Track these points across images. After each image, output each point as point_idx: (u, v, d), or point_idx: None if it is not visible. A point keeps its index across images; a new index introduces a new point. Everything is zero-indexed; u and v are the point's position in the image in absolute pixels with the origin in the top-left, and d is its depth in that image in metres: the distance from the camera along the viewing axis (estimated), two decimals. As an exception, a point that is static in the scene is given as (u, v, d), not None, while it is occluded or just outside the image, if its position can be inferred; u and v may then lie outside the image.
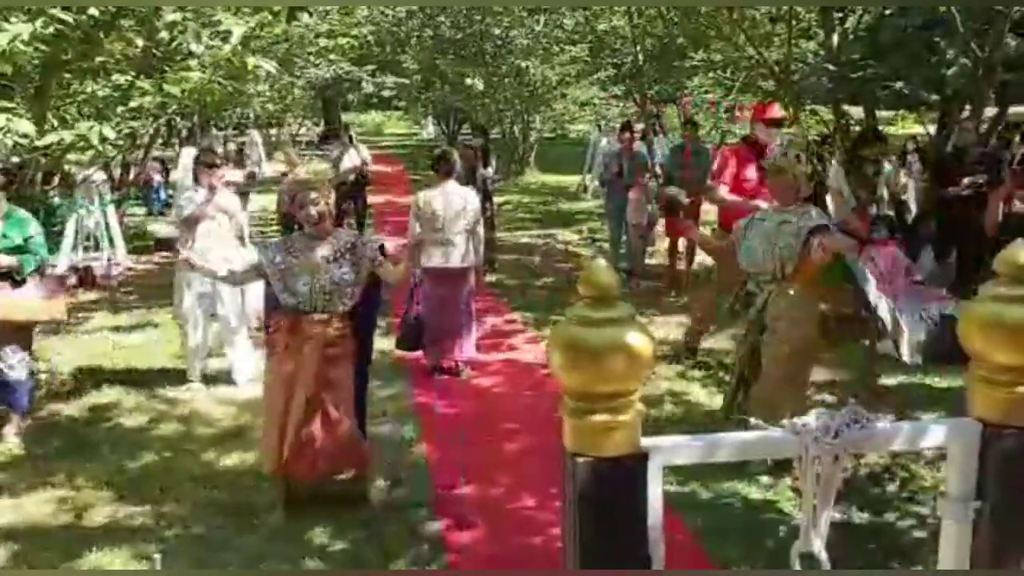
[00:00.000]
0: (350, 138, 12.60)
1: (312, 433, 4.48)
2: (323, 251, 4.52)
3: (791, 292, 4.85)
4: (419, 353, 7.08)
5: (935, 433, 1.74)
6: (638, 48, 13.99)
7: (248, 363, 6.78)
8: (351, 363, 4.64)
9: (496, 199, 12.41)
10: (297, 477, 4.67)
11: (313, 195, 4.52)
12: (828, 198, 11.45)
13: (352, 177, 12.29)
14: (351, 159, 12.27)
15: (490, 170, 10.90)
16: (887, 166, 8.51)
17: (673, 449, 1.67)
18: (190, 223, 6.57)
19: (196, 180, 6.79)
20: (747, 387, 5.08)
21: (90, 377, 6.90)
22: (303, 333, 4.49)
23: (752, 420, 1.72)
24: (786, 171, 4.90)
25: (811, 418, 1.70)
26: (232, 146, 13.71)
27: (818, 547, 1.73)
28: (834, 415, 1.70)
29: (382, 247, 4.70)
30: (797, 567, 1.75)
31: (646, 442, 1.62)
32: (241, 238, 6.96)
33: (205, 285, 6.53)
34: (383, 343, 7.70)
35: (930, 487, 4.81)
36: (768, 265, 4.87)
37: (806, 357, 5.04)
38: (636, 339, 1.56)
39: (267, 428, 4.63)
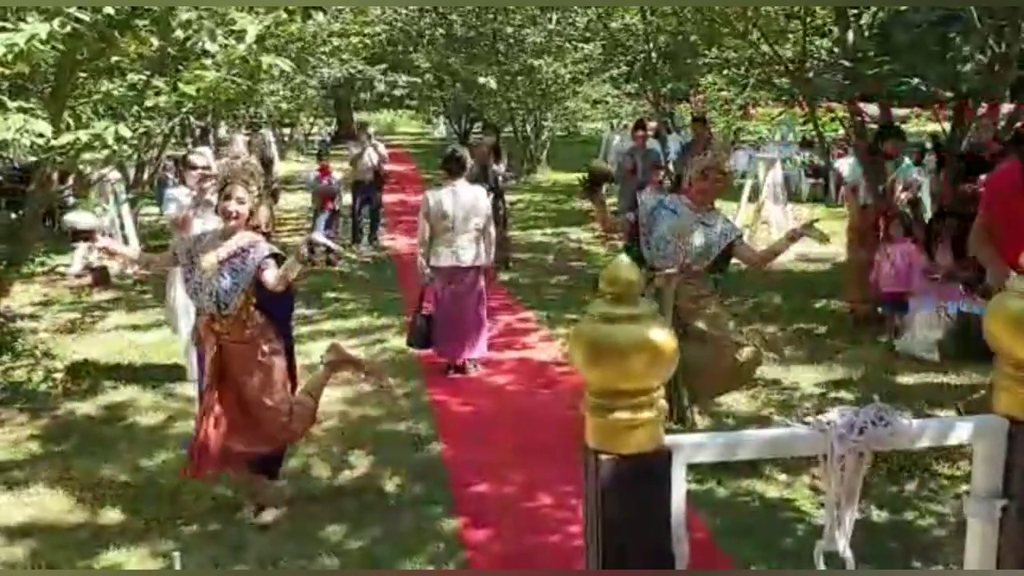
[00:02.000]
0: (368, 137, 12.57)
1: (220, 429, 4.39)
2: (221, 252, 4.36)
3: (693, 282, 5.13)
4: (432, 351, 7.07)
5: (961, 430, 1.73)
6: (651, 45, 13.95)
7: None
8: (260, 368, 4.43)
9: (509, 198, 12.40)
10: (210, 472, 4.53)
11: (240, 191, 4.34)
12: (842, 192, 11.39)
13: (370, 176, 12.27)
14: (369, 158, 12.24)
15: (502, 166, 10.90)
16: (906, 160, 8.44)
17: (696, 447, 1.66)
18: (179, 224, 6.58)
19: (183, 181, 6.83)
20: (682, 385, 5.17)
21: (106, 375, 6.93)
22: (204, 335, 4.48)
23: (776, 417, 1.71)
24: (729, 178, 5.27)
25: (835, 415, 1.69)
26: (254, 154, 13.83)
27: (842, 546, 1.71)
28: (858, 412, 1.69)
29: (275, 255, 4.41)
30: (821, 566, 1.73)
31: (669, 440, 1.61)
32: None
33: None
34: (397, 341, 7.73)
35: (950, 485, 4.78)
36: (677, 259, 5.05)
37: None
38: (659, 336, 1.55)
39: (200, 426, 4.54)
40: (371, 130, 13.02)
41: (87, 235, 4.76)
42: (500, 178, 10.57)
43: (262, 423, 4.52)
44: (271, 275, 4.34)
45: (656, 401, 1.59)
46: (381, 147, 12.67)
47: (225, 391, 4.42)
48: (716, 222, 5.13)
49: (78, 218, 4.80)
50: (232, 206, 4.35)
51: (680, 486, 1.61)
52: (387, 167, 12.88)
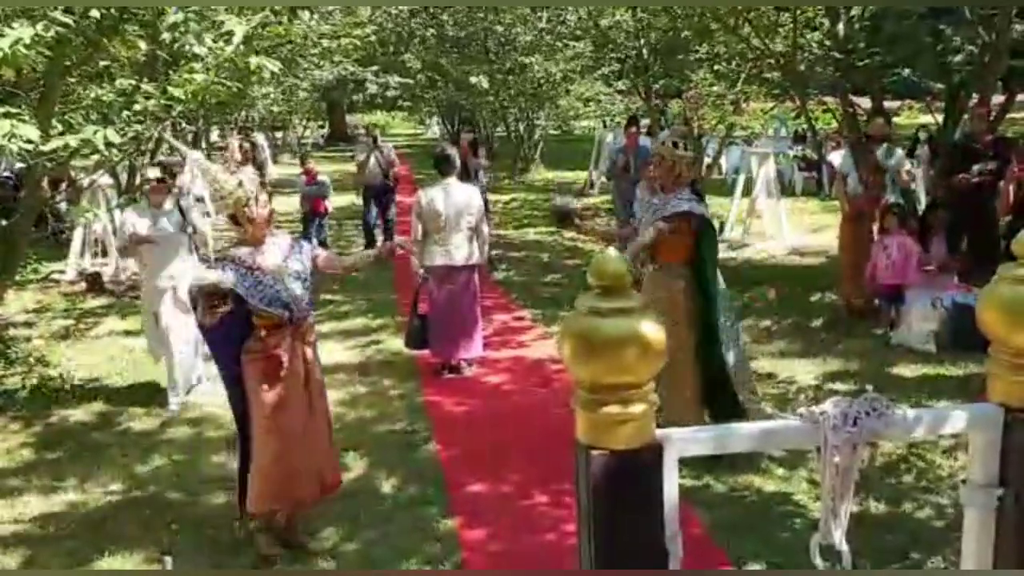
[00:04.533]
0: (375, 139, 12.32)
1: (312, 453, 4.23)
2: (277, 253, 4.19)
3: (653, 271, 5.09)
4: (428, 352, 7.05)
5: (956, 419, 1.71)
6: (642, 42, 13.92)
7: None
8: (318, 369, 4.36)
9: (503, 197, 12.35)
10: (297, 505, 4.35)
11: (264, 196, 4.19)
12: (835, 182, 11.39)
13: (379, 180, 12.06)
14: (376, 162, 12.01)
15: (482, 160, 10.89)
16: (898, 151, 8.41)
17: (687, 440, 1.64)
18: (129, 249, 6.43)
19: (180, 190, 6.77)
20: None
21: (99, 382, 6.89)
22: (294, 346, 4.15)
23: (769, 410, 1.70)
24: (665, 158, 5.10)
25: (828, 406, 1.66)
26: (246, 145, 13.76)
27: (838, 538, 1.69)
28: (852, 403, 1.67)
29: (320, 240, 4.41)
30: (817, 559, 1.71)
31: (660, 434, 1.59)
32: (199, 250, 6.63)
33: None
34: (393, 343, 7.71)
35: (948, 476, 4.76)
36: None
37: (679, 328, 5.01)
38: (648, 329, 1.52)
39: (274, 463, 4.12)
40: (376, 132, 12.71)
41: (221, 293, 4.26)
42: (480, 171, 10.55)
43: (325, 430, 4.37)
44: (339, 261, 4.49)
45: (647, 395, 1.57)
46: (389, 150, 12.34)
47: (298, 408, 4.18)
48: (667, 200, 5.02)
49: (208, 275, 4.07)
50: (270, 209, 4.24)
51: (672, 481, 1.59)
52: (396, 170, 12.34)
